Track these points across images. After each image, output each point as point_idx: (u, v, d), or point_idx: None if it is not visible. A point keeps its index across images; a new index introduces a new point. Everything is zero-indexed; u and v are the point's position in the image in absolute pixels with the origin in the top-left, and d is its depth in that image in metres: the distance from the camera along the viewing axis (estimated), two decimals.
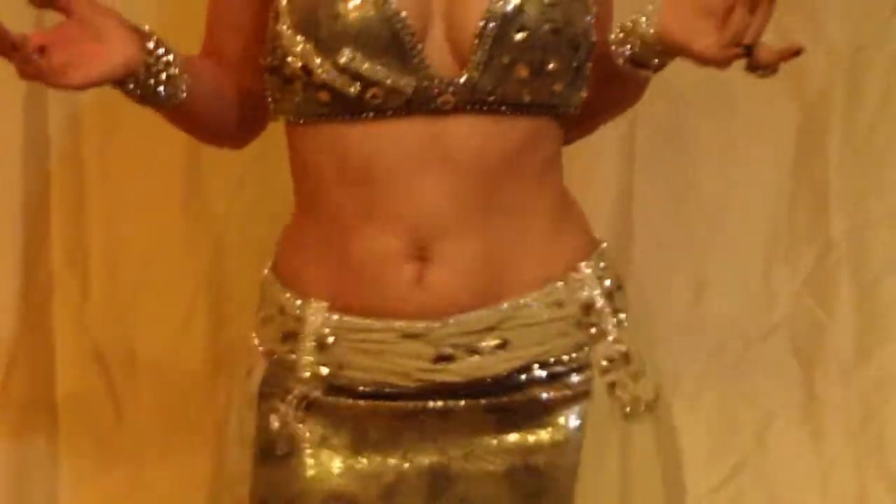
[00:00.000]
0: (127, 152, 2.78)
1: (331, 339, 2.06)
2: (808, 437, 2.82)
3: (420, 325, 2.01)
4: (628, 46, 2.01)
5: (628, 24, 2.01)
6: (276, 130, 2.08)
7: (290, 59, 2.01)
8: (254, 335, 2.13)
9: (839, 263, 2.78)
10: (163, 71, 2.01)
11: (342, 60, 1.98)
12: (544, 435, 2.06)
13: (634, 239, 2.66)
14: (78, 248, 2.81)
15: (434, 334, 2.01)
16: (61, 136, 2.82)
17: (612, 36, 2.03)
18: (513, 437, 2.06)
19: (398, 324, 2.02)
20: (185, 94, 2.04)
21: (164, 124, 2.18)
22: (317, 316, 2.07)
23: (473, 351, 2.03)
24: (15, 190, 2.77)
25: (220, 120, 2.20)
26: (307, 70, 2.00)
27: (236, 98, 2.20)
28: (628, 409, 2.08)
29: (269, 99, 2.07)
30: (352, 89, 1.98)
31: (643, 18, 1.98)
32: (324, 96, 2.00)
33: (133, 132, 2.72)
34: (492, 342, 2.03)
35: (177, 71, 2.03)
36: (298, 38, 2.00)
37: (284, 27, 2.00)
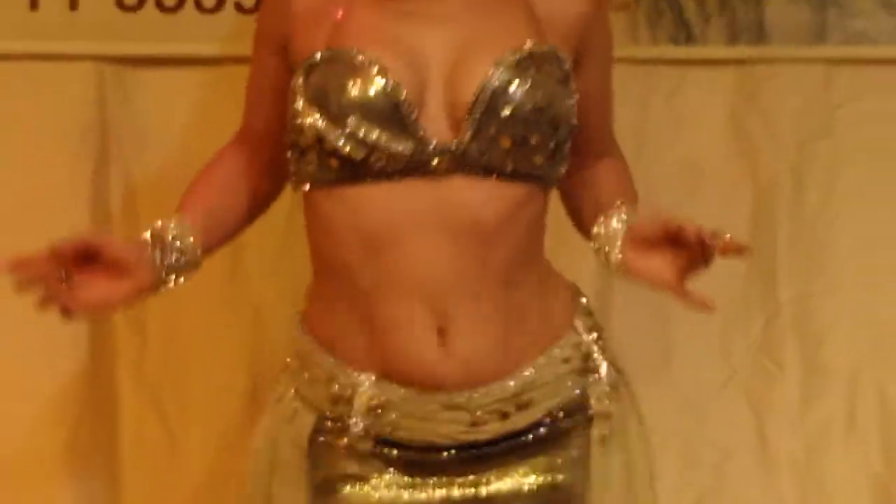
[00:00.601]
0: None
1: (381, 408, 2.26)
2: (760, 473, 3.02)
3: (456, 397, 2.21)
4: (602, 258, 2.27)
5: (597, 246, 2.28)
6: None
7: (305, 130, 2.21)
8: (293, 388, 2.32)
9: (786, 326, 3.02)
10: (171, 273, 2.27)
11: (348, 128, 2.18)
12: (563, 455, 2.30)
13: (614, 308, 2.86)
14: (138, 316, 3.07)
15: (469, 404, 2.21)
16: (122, 219, 3.11)
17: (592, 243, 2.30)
18: (538, 461, 2.29)
19: (439, 396, 2.22)
20: (199, 263, 2.29)
21: None
22: (366, 388, 2.25)
23: (502, 415, 2.25)
24: None
25: (239, 220, 2.44)
26: (320, 139, 2.19)
27: (256, 177, 2.42)
28: (606, 433, 2.32)
29: (291, 171, 2.28)
30: (358, 155, 2.18)
31: (612, 249, 2.25)
32: (334, 163, 2.20)
33: None
34: (516, 406, 2.26)
35: (186, 259, 2.27)
36: (312, 111, 2.21)
37: (300, 103, 2.21)
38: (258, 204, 2.45)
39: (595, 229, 2.29)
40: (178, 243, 2.29)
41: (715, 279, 2.86)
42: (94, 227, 3.07)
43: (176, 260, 2.27)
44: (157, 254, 2.24)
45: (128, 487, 3.06)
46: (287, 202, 2.56)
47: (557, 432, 2.30)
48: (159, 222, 2.27)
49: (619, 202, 2.32)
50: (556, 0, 2.32)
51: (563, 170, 2.29)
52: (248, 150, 2.43)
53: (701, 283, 2.77)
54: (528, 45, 2.21)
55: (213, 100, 2.91)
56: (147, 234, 2.26)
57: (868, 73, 3.00)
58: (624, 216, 2.28)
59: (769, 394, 3.01)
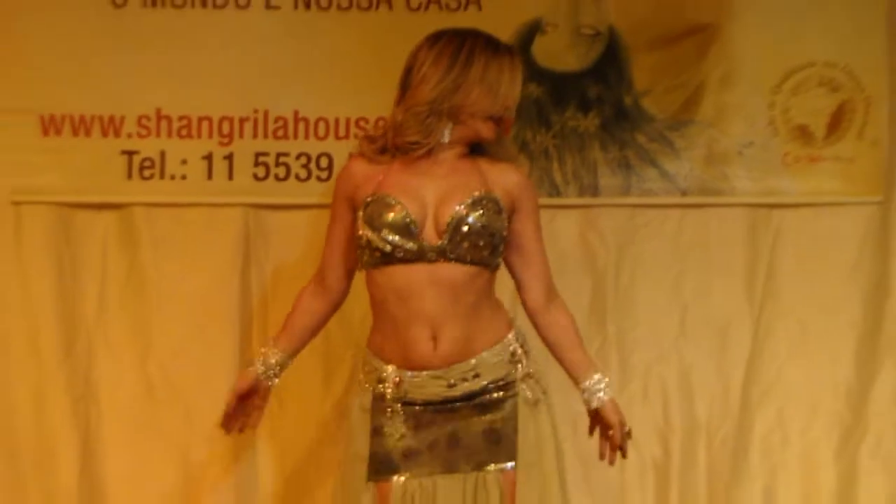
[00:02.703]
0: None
1: (399, 382, 2.98)
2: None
3: (439, 372, 2.95)
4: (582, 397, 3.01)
5: (582, 393, 3.03)
6: (357, 285, 3.13)
7: (362, 237, 2.93)
8: (362, 377, 3.06)
9: (611, 346, 4.07)
10: (273, 377, 3.09)
11: (382, 235, 2.90)
12: (499, 413, 3.00)
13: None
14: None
15: (446, 375, 2.95)
16: (259, 310, 4.07)
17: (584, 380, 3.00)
18: (485, 416, 3.00)
19: (429, 372, 2.95)
20: (289, 363, 3.09)
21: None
22: (392, 372, 2.99)
23: (464, 380, 2.97)
24: (235, 325, 4.05)
25: (318, 329, 3.16)
26: (368, 241, 2.93)
27: (328, 299, 3.10)
28: (531, 398, 3.01)
29: (357, 260, 2.98)
30: (388, 249, 2.90)
31: (589, 402, 3.03)
32: (376, 254, 2.92)
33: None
34: (472, 375, 2.97)
35: (280, 367, 3.08)
36: (366, 227, 2.95)
37: (360, 223, 2.95)
38: (330, 313, 3.17)
39: (584, 384, 3.04)
40: (273, 361, 3.09)
41: (592, 327, 3.96)
42: (242, 315, 4.01)
43: (273, 372, 3.10)
44: (263, 369, 3.08)
45: (263, 446, 4.03)
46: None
47: (496, 400, 3.00)
48: (263, 352, 3.09)
49: (597, 374, 3.05)
50: (498, 175, 3.02)
51: (499, 260, 2.98)
52: (323, 286, 3.10)
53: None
54: (477, 193, 2.94)
55: (311, 229, 3.88)
56: (258, 363, 3.08)
57: (650, 212, 4.02)
58: (602, 386, 3.05)
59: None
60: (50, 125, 4.03)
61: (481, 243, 2.94)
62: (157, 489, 4.05)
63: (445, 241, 2.92)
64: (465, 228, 2.93)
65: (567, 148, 4.06)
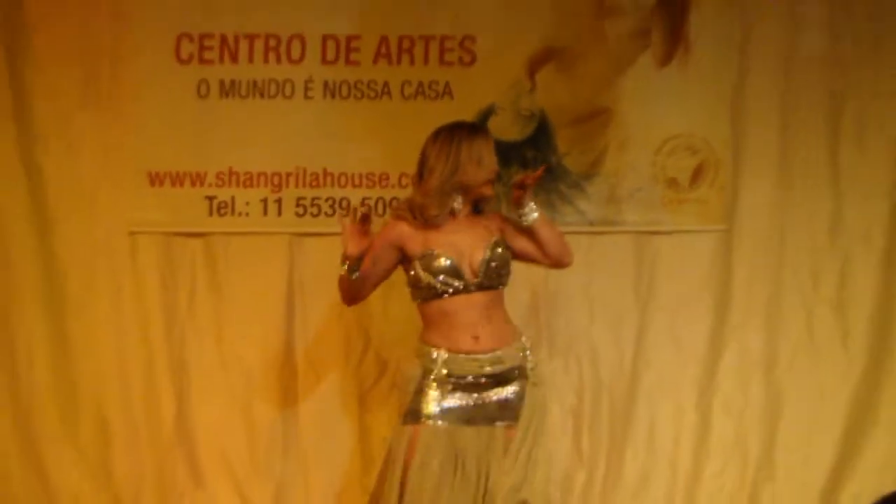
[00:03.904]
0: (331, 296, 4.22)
1: (446, 360, 3.78)
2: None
3: (478, 356, 3.76)
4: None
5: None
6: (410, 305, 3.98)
7: (421, 280, 3.77)
8: (416, 359, 3.83)
9: (542, 333, 4.84)
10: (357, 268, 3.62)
11: (439, 279, 3.75)
12: (510, 388, 3.84)
13: None
14: (312, 346, 4.92)
15: (481, 360, 3.80)
16: (301, 319, 4.88)
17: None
18: (500, 388, 3.82)
19: (468, 355, 3.76)
20: (357, 276, 3.63)
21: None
22: (440, 353, 3.78)
23: (493, 364, 3.78)
24: (283, 316, 4.89)
25: (360, 294, 3.80)
26: (428, 283, 3.79)
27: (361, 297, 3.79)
28: (534, 382, 3.84)
29: (413, 295, 3.81)
30: (438, 287, 3.78)
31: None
32: (432, 291, 3.80)
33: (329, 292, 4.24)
34: (499, 361, 3.80)
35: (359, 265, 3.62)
36: (426, 273, 3.79)
37: (419, 270, 3.80)
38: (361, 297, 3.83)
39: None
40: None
41: (529, 319, 4.82)
42: (288, 309, 4.77)
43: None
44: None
45: (302, 403, 4.88)
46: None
47: (510, 378, 3.81)
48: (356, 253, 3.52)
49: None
50: (492, 223, 3.78)
51: (509, 279, 3.79)
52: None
53: (521, 316, 4.46)
54: (494, 238, 3.75)
55: (335, 251, 4.00)
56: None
57: (568, 237, 4.18)
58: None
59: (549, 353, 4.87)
60: (155, 178, 4.90)
61: (501, 271, 3.88)
62: (228, 432, 4.94)
63: (481, 277, 3.80)
64: (493, 264, 3.85)
65: (511, 195, 4.23)
